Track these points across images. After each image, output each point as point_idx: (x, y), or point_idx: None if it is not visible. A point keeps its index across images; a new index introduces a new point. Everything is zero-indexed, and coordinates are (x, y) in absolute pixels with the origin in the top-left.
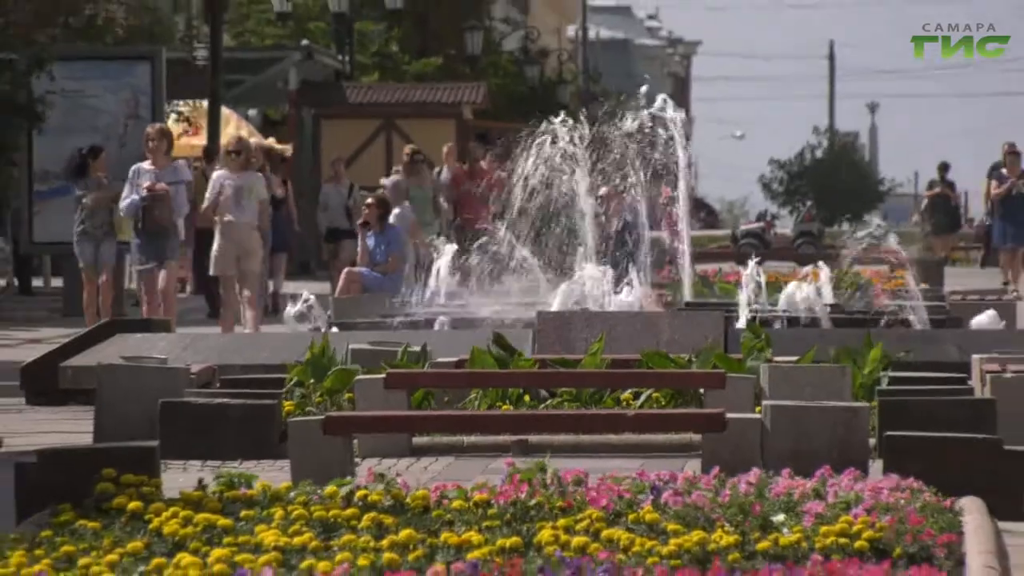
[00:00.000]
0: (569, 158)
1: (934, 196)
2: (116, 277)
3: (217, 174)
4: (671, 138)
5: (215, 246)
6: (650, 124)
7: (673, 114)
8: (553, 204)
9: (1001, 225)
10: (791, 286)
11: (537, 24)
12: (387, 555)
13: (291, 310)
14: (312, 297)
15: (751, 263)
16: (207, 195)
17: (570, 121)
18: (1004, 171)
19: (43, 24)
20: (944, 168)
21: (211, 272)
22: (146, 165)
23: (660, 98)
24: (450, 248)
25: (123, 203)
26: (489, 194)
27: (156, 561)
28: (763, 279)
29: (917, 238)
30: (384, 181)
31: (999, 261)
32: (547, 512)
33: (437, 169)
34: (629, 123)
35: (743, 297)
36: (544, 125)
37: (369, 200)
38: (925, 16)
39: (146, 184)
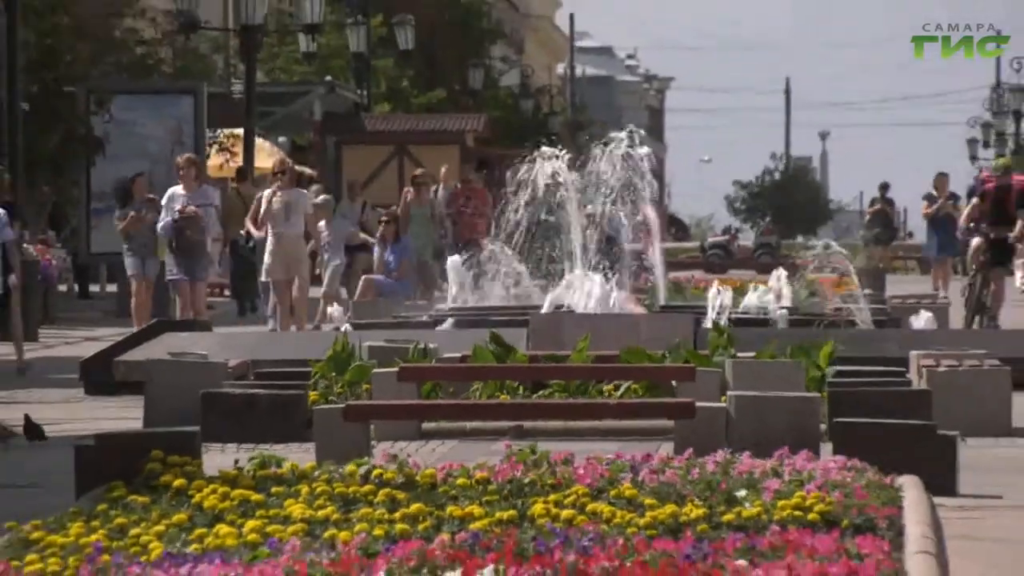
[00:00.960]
0: (561, 182)
1: (875, 212)
2: (157, 288)
3: (267, 192)
4: (642, 169)
5: (267, 255)
6: (625, 158)
7: (641, 151)
8: (546, 219)
9: (932, 240)
10: (753, 291)
11: (531, 62)
12: (399, 526)
13: (336, 314)
14: (339, 308)
15: (715, 284)
16: (252, 210)
17: (563, 150)
18: (935, 193)
19: (99, 63)
20: (884, 188)
21: (263, 279)
22: (179, 190)
23: (627, 131)
24: (454, 260)
25: (160, 224)
26: (481, 211)
27: (198, 531)
28: (728, 291)
29: (861, 248)
30: (315, 200)
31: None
32: (539, 488)
33: (434, 188)
34: (609, 155)
35: (711, 302)
36: (540, 152)
37: (384, 218)
38: (871, 57)
39: (178, 207)
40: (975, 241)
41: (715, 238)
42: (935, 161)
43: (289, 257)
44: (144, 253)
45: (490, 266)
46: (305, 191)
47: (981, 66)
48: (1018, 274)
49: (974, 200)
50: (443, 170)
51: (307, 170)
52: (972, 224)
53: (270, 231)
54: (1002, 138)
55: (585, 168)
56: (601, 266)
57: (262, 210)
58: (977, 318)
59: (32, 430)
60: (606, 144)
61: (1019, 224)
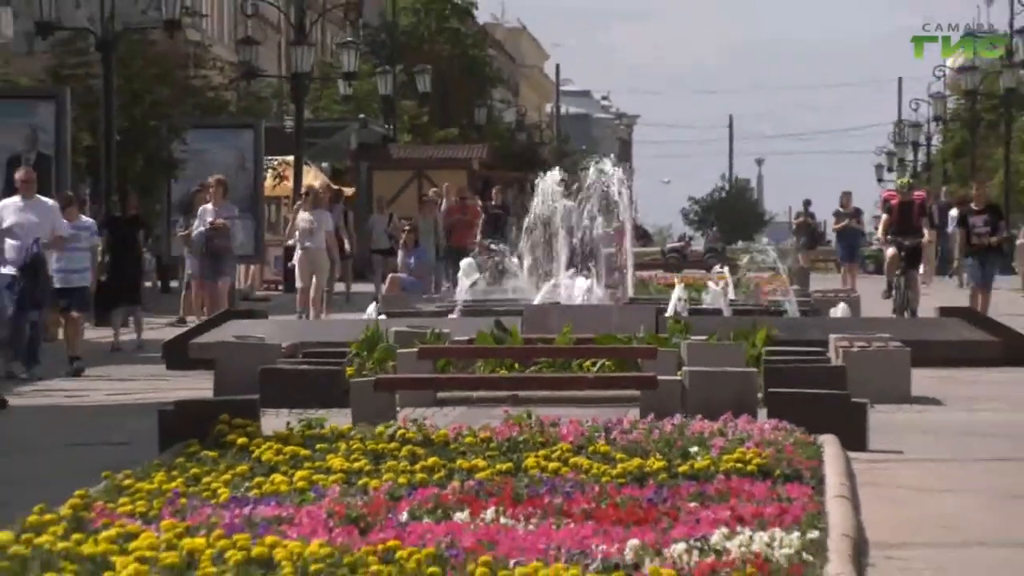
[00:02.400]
0: (552, 199)
1: (800, 224)
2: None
3: (301, 214)
4: (616, 189)
5: (297, 265)
6: (602, 181)
7: (613, 171)
8: (539, 229)
9: (840, 248)
10: (701, 284)
11: (524, 103)
12: (419, 475)
13: (372, 308)
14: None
15: (677, 283)
16: (289, 227)
17: (555, 173)
18: (841, 209)
19: (177, 103)
20: (807, 204)
21: (297, 284)
22: (209, 207)
23: (598, 159)
24: (467, 261)
25: (194, 234)
26: (474, 222)
27: (257, 479)
28: (684, 286)
29: (790, 253)
30: (303, 214)
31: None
32: (531, 445)
33: (440, 203)
34: (590, 178)
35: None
36: (539, 175)
37: (407, 228)
38: (799, 98)
39: (209, 220)
40: (890, 251)
41: (673, 244)
42: (850, 182)
43: (313, 266)
44: (224, 253)
45: (496, 266)
46: (328, 212)
47: (885, 104)
48: (921, 270)
49: (884, 216)
50: (444, 186)
51: (346, 189)
52: (888, 236)
53: (298, 244)
54: (903, 164)
55: (577, 188)
56: (583, 267)
57: (291, 226)
58: (905, 312)
59: None
60: (594, 168)
61: (927, 233)
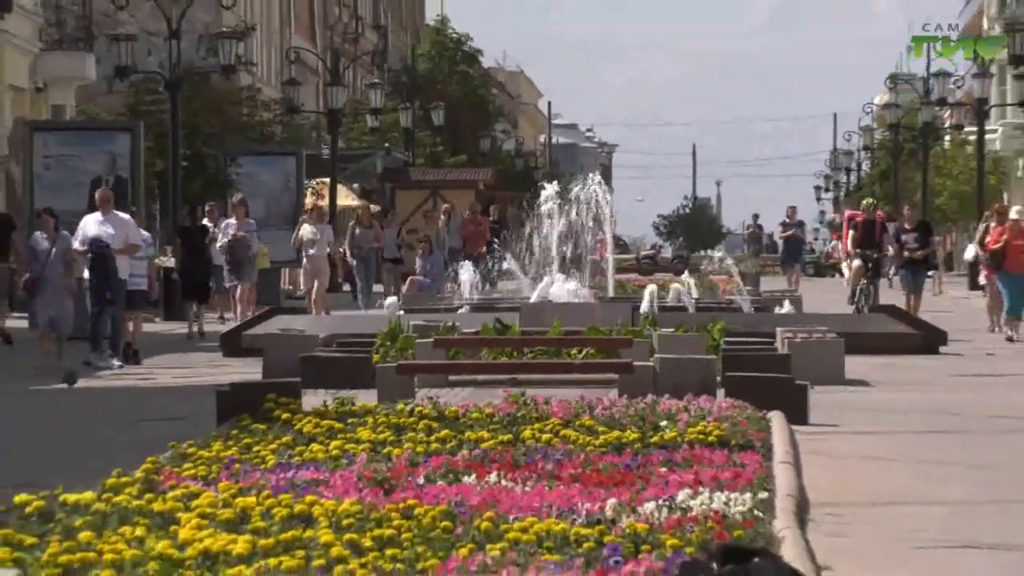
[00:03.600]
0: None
1: (750, 233)
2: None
3: (305, 227)
4: (599, 206)
5: (302, 271)
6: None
7: (597, 189)
8: (537, 238)
9: (785, 255)
10: (668, 284)
11: (522, 134)
12: (433, 445)
13: (391, 302)
14: (395, 298)
15: (649, 282)
16: (294, 238)
17: (549, 191)
18: (788, 220)
19: (231, 133)
20: (755, 217)
21: (302, 288)
22: (232, 221)
23: (592, 178)
24: (468, 266)
25: (218, 244)
26: (482, 232)
27: (298, 448)
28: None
29: (743, 259)
30: (307, 227)
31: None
32: (527, 420)
33: (443, 218)
34: (579, 195)
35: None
36: (536, 193)
37: (421, 237)
38: (750, 129)
39: (232, 233)
40: (856, 263)
41: (646, 252)
42: (794, 200)
43: (315, 271)
44: (244, 258)
45: (498, 270)
46: (329, 225)
47: (823, 136)
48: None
49: (851, 232)
50: (445, 206)
51: (374, 206)
52: (857, 250)
53: (304, 252)
54: (837, 185)
55: (569, 205)
56: (571, 271)
57: (297, 237)
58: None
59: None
60: (576, 183)
61: (890, 248)
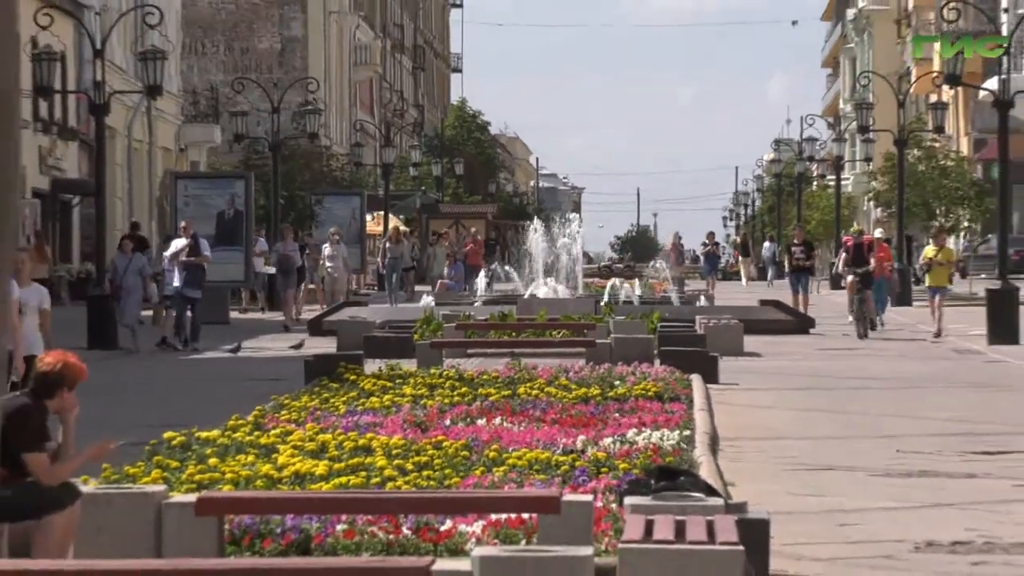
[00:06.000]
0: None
1: (673, 248)
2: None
3: (327, 248)
4: (575, 230)
5: (325, 284)
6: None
7: (572, 220)
8: (529, 252)
9: (706, 265)
10: (621, 285)
11: (518, 180)
12: (456, 398)
13: (426, 299)
14: (431, 298)
15: (608, 283)
16: (312, 255)
17: (537, 222)
18: (706, 241)
19: (315, 181)
20: (678, 237)
21: (320, 301)
22: (282, 245)
23: (569, 214)
24: (482, 274)
25: (272, 258)
26: (479, 251)
27: (361, 400)
28: (610, 288)
29: (673, 268)
30: (328, 249)
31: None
32: (522, 380)
33: (446, 242)
34: (562, 222)
35: (605, 293)
36: (528, 223)
37: (448, 252)
38: (683, 178)
39: (281, 252)
40: (850, 278)
41: (605, 262)
42: (709, 226)
43: (334, 282)
44: (290, 268)
45: (501, 275)
46: (345, 245)
47: (728, 180)
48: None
49: (843, 253)
50: (446, 231)
51: (413, 231)
52: (846, 267)
53: (322, 271)
54: (737, 216)
55: (552, 229)
56: (553, 275)
57: (320, 256)
58: (863, 322)
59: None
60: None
61: (872, 263)
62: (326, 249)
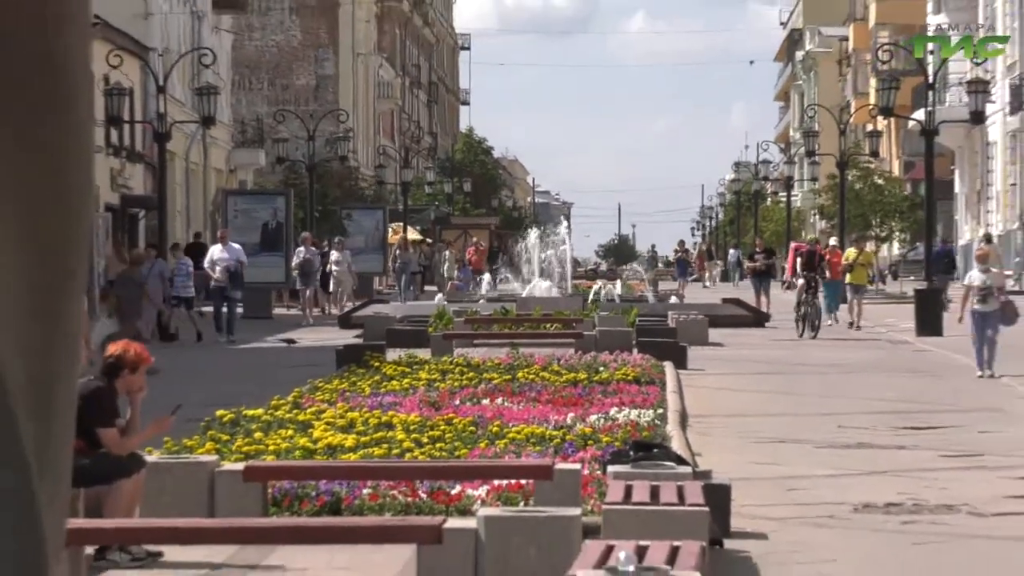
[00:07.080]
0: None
1: (650, 257)
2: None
3: (333, 253)
4: (564, 239)
5: (332, 285)
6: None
7: (562, 230)
8: (527, 256)
9: (677, 269)
10: (604, 286)
11: (517, 197)
12: (464, 381)
13: (439, 297)
14: (443, 296)
15: (595, 284)
16: (325, 261)
17: (533, 231)
18: (677, 248)
19: (345, 198)
20: (653, 247)
21: (331, 304)
22: (301, 249)
23: (561, 223)
24: (486, 277)
25: (293, 263)
26: (483, 257)
27: (384, 383)
28: (597, 287)
29: (649, 271)
30: (334, 254)
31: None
32: (521, 366)
33: (447, 251)
34: (554, 232)
35: (591, 292)
36: (529, 232)
37: (458, 258)
38: (662, 196)
39: (302, 257)
40: (800, 281)
41: (590, 266)
42: (678, 235)
43: (339, 284)
44: (310, 271)
45: (501, 276)
46: (349, 251)
47: (695, 196)
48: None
49: (796, 257)
50: (451, 241)
51: (427, 239)
52: (797, 273)
53: (331, 272)
54: (704, 227)
55: (546, 238)
56: (548, 276)
57: (328, 261)
58: (807, 324)
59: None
60: (552, 233)
61: (826, 271)
62: (332, 254)
